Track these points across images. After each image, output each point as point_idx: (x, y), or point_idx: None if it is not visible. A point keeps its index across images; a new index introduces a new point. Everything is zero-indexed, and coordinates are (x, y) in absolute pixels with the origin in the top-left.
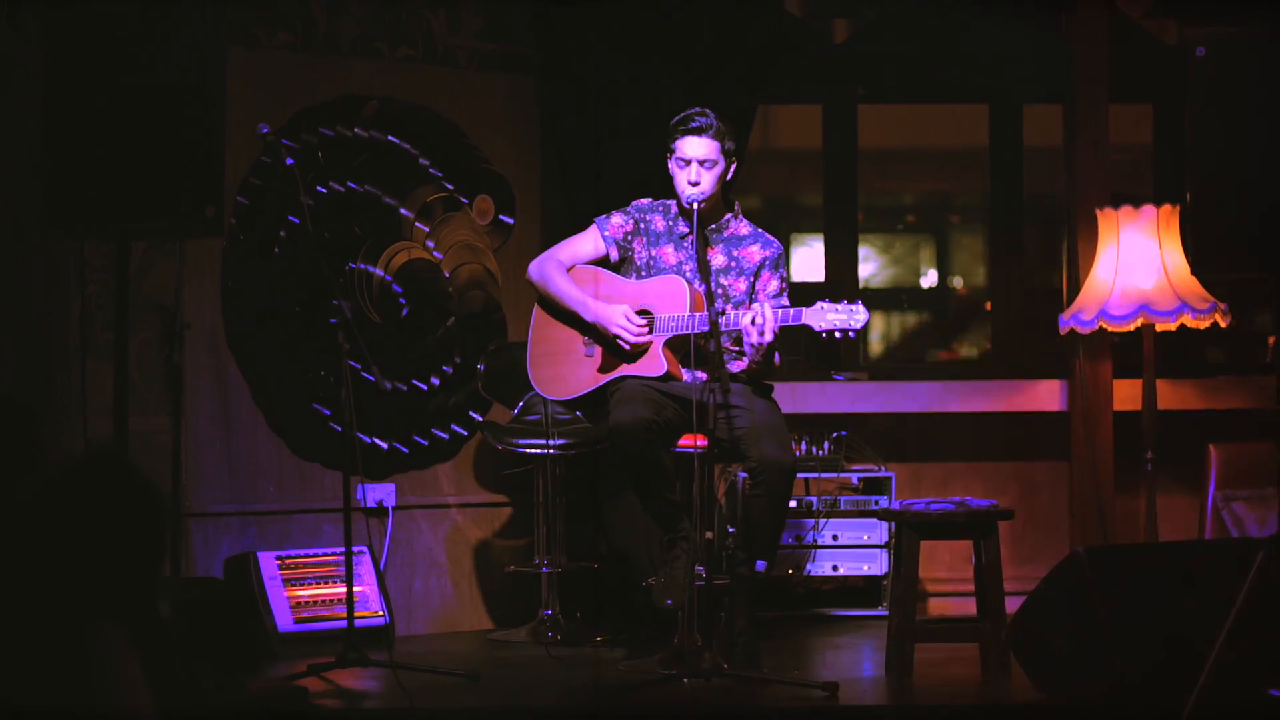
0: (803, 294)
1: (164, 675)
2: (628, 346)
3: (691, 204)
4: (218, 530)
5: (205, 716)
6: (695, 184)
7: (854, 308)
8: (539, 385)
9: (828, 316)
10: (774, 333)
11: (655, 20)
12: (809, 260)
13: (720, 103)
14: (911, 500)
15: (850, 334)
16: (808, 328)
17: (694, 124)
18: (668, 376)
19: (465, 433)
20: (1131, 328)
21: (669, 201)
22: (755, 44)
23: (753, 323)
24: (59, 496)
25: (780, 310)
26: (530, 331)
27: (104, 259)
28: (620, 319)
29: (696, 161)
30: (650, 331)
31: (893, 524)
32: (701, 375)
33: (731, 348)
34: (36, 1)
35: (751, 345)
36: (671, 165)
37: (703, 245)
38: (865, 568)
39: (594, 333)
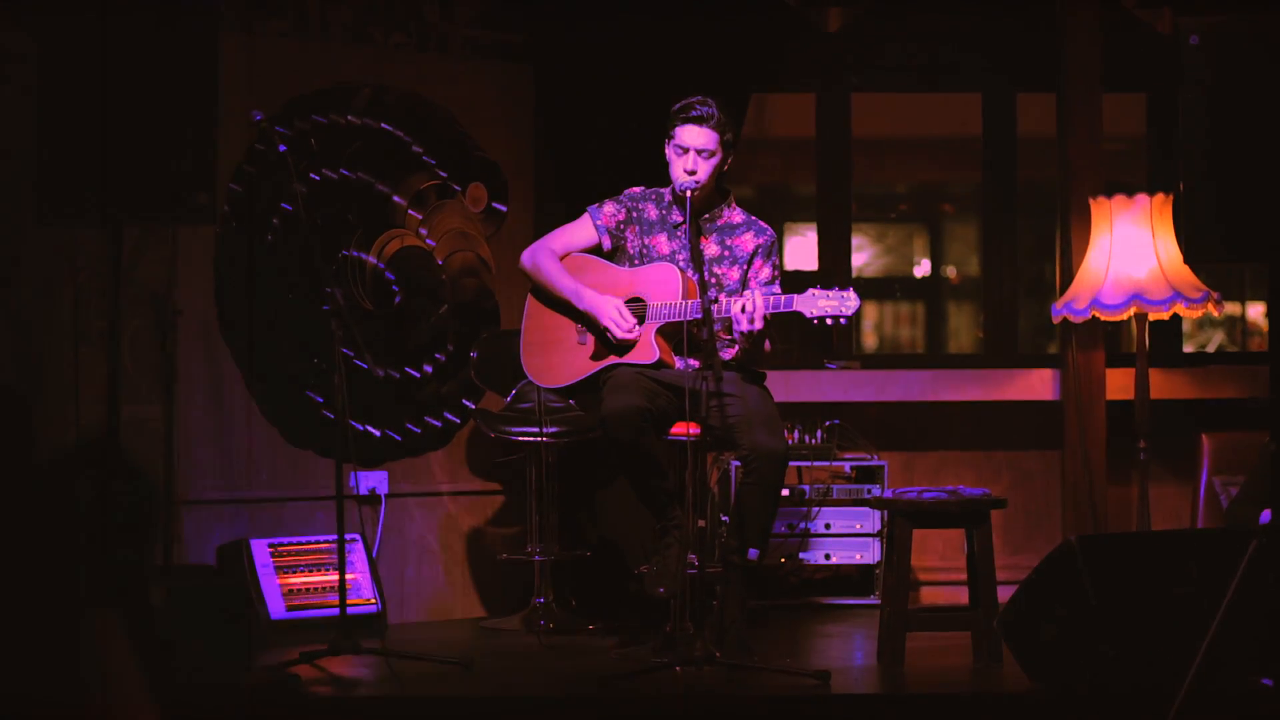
0: (796, 283)
1: (156, 662)
2: (615, 340)
3: (685, 192)
4: (210, 518)
5: (198, 703)
6: (691, 173)
7: (845, 294)
8: (532, 373)
9: (819, 303)
10: (763, 320)
11: (649, 8)
12: (802, 249)
13: (714, 91)
14: (904, 489)
15: (842, 320)
16: (799, 314)
17: (695, 113)
18: (660, 364)
19: (458, 420)
20: (1125, 316)
21: (662, 190)
22: (749, 32)
23: (742, 310)
24: (52, 485)
25: (771, 297)
26: (524, 320)
27: (97, 246)
28: (612, 312)
29: (695, 150)
30: (641, 324)
31: (885, 512)
32: (694, 363)
33: (724, 336)
34: None
35: (741, 332)
36: (669, 151)
37: (696, 234)
38: (858, 556)
39: (586, 321)
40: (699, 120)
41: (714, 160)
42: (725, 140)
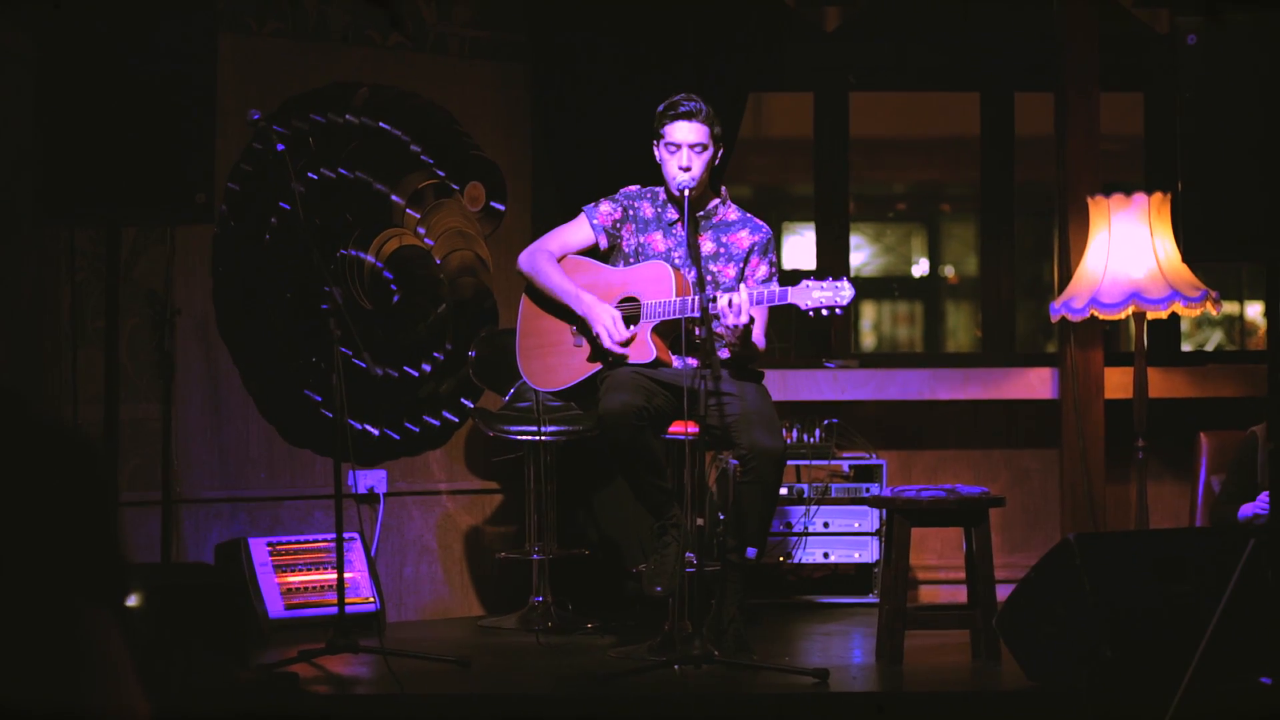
0: (794, 282)
1: (151, 662)
2: (605, 346)
3: (682, 190)
4: (209, 516)
5: (196, 703)
6: (687, 169)
7: (839, 284)
8: (529, 377)
9: (813, 294)
10: (749, 314)
11: (646, 7)
12: (800, 249)
13: (711, 90)
14: (902, 487)
15: (837, 310)
16: (795, 306)
17: (683, 109)
18: (657, 363)
19: (456, 419)
20: (1123, 315)
21: (657, 189)
22: (746, 31)
23: (729, 305)
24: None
25: (765, 290)
26: (519, 324)
27: (94, 246)
28: (607, 321)
29: (687, 147)
30: (636, 323)
31: (884, 511)
32: (692, 361)
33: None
34: None
35: (726, 327)
36: (660, 152)
37: (694, 231)
38: (856, 555)
39: (582, 325)
40: (688, 116)
41: (706, 154)
42: (715, 134)
